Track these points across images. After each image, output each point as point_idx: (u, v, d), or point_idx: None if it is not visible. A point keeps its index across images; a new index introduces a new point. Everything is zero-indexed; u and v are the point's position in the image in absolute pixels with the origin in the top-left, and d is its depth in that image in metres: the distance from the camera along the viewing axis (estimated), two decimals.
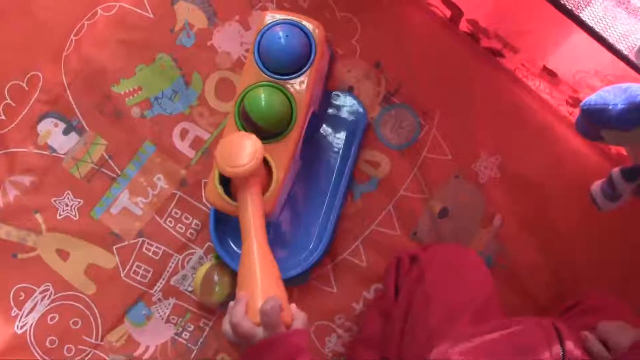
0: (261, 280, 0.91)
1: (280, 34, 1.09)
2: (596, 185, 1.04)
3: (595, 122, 0.89)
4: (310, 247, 1.22)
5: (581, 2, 0.93)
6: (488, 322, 0.96)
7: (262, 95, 1.08)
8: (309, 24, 1.11)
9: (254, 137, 1.01)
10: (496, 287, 1.08)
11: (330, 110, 1.26)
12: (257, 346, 0.86)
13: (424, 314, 1.01)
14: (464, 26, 1.23)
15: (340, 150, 1.25)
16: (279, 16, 1.11)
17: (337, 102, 1.26)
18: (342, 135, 1.25)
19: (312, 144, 1.21)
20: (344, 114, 1.26)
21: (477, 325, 0.96)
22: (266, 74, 1.10)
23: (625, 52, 0.93)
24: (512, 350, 0.89)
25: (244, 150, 1.00)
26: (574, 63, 1.07)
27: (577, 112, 1.17)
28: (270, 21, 1.11)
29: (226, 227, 1.23)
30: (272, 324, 0.86)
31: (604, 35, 0.93)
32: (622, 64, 0.93)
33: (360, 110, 1.25)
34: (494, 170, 1.24)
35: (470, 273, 1.07)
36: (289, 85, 1.10)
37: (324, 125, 1.26)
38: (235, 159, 0.99)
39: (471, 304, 1.00)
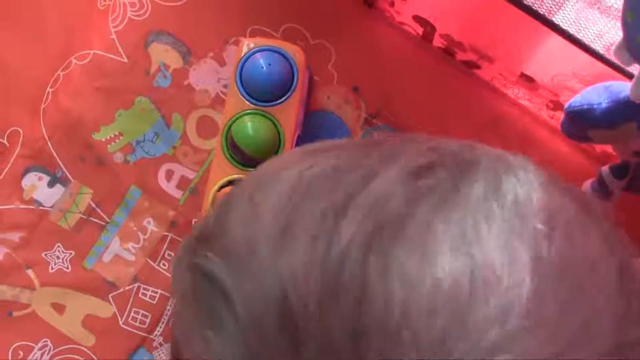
0: None
1: (262, 61, 1.09)
2: (586, 186, 1.04)
3: (582, 123, 0.90)
4: None
5: (553, 6, 0.94)
6: None
7: (249, 124, 1.08)
8: (288, 49, 1.12)
9: None
10: None
11: (313, 131, 1.26)
12: None
13: None
14: (437, 42, 1.23)
15: None
16: (257, 43, 1.11)
17: (320, 123, 1.26)
18: None
19: None
20: (328, 133, 1.26)
21: None
22: (250, 102, 1.11)
23: (602, 52, 0.94)
24: None
25: None
26: (551, 67, 1.07)
27: (558, 115, 1.19)
28: (248, 49, 1.12)
29: None
30: None
31: (579, 36, 0.94)
32: (599, 64, 0.94)
33: (344, 130, 1.25)
34: None
35: None
36: (274, 111, 1.10)
37: None
38: None
39: None
